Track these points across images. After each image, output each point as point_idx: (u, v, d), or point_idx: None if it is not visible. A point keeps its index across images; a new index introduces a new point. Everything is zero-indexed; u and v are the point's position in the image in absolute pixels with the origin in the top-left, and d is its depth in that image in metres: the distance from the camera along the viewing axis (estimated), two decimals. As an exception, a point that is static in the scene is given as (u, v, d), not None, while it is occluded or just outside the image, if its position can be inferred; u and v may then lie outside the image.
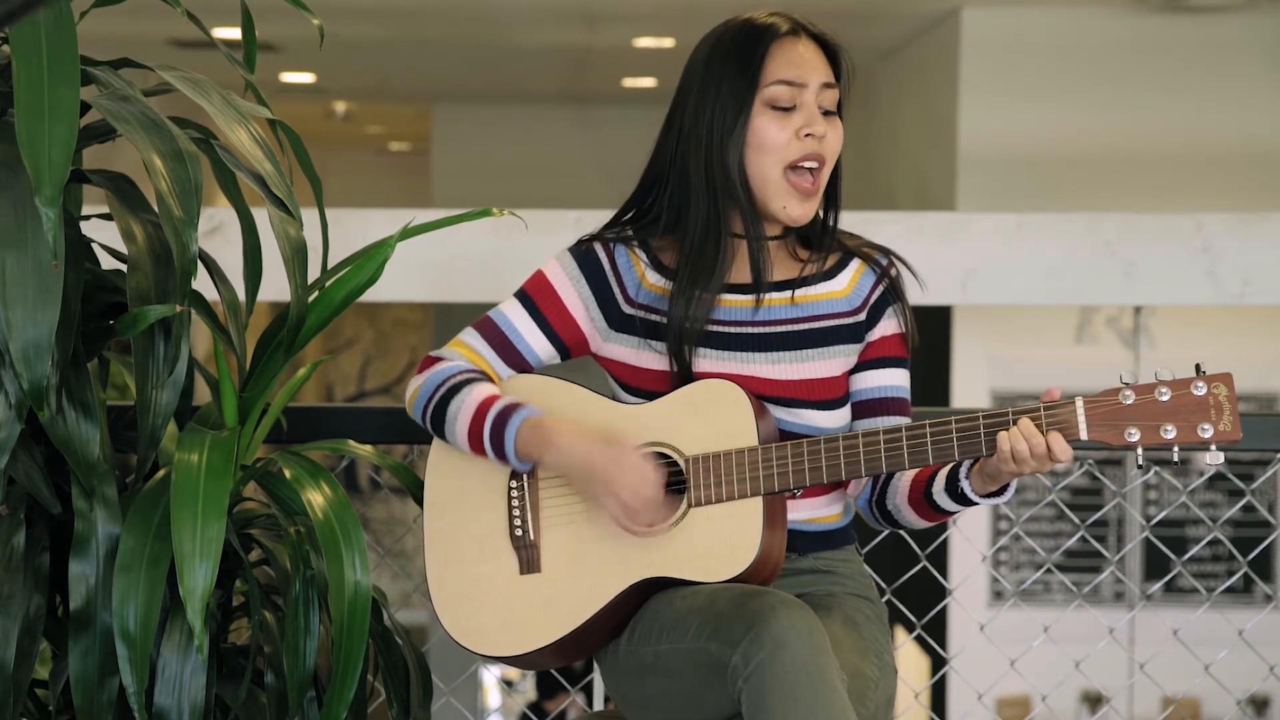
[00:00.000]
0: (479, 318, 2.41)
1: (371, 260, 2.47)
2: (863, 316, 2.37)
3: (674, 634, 2.19)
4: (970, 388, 7.17)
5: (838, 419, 2.34)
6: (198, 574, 2.18)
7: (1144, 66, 7.01)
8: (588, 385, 2.35)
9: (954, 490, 2.28)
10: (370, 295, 2.65)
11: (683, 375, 2.31)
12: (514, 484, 2.34)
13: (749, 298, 2.33)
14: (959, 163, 7.00)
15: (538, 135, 10.39)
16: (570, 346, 2.39)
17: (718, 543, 2.23)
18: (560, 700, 7.64)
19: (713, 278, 2.31)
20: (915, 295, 2.41)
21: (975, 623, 3.33)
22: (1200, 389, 2.15)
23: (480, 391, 2.32)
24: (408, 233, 2.51)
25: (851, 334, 2.36)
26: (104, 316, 2.44)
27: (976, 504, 2.29)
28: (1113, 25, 6.98)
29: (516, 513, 2.33)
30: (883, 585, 2.69)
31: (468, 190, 10.08)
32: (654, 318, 2.34)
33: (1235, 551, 3.73)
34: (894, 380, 2.38)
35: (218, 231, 4.98)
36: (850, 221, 2.42)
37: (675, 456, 2.27)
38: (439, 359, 2.38)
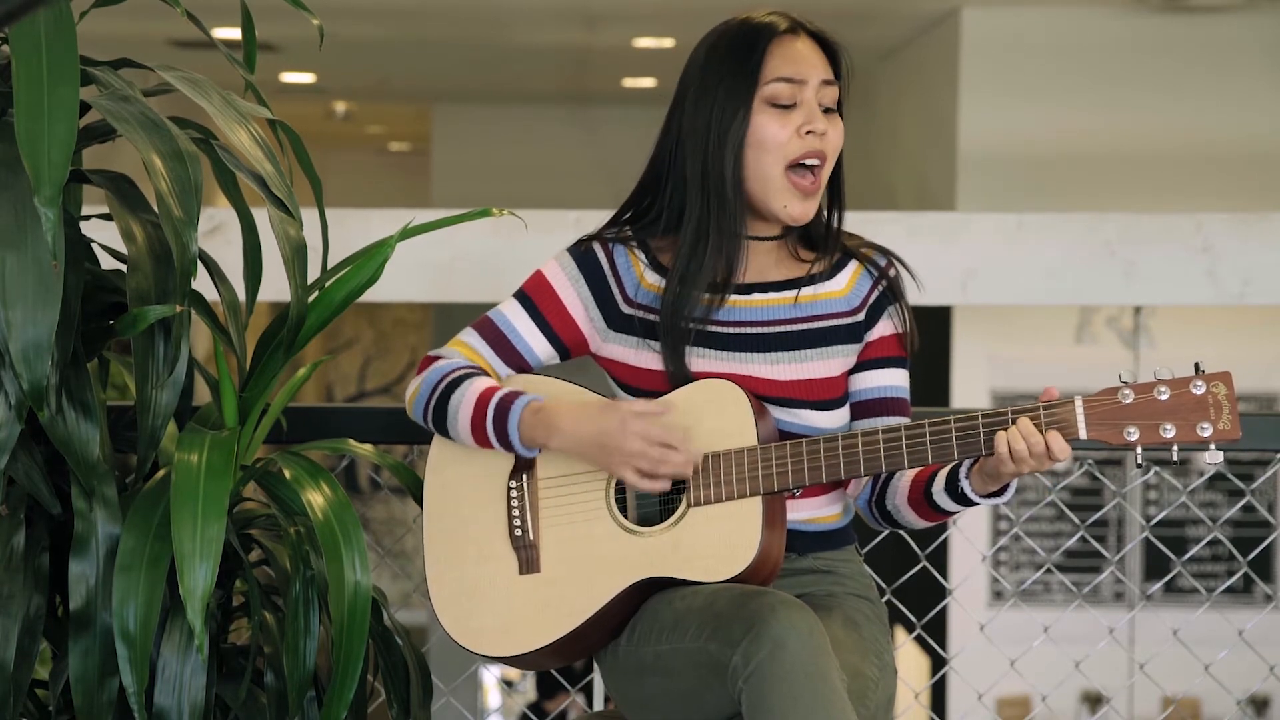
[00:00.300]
0: (478, 318, 2.41)
1: (371, 260, 2.47)
2: (861, 317, 2.37)
3: (674, 634, 2.19)
4: (970, 388, 7.17)
5: (836, 419, 2.34)
6: (198, 574, 2.18)
7: (1144, 66, 7.01)
8: (587, 385, 2.35)
9: (954, 490, 2.28)
10: (370, 295, 2.65)
11: (676, 374, 2.31)
12: (513, 484, 2.34)
13: (750, 298, 2.34)
14: (959, 163, 7.00)
15: (538, 135, 10.39)
16: (569, 346, 2.39)
17: (717, 542, 2.23)
18: (560, 700, 7.64)
19: (708, 276, 2.31)
20: (915, 295, 2.41)
21: (975, 623, 3.33)
22: (1199, 388, 2.15)
23: (480, 384, 2.32)
24: (408, 233, 2.51)
25: (850, 334, 2.36)
26: (104, 316, 2.44)
27: (977, 504, 2.29)
28: (1113, 25, 6.98)
29: (516, 513, 2.33)
30: (883, 585, 2.69)
31: (468, 190, 10.08)
32: (653, 318, 2.34)
33: (1235, 551, 3.73)
34: (893, 380, 2.38)
35: (218, 231, 4.98)
36: (850, 221, 2.42)
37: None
38: (438, 358, 2.38)
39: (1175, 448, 2.16)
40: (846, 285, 2.38)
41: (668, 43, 8.15)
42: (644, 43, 8.25)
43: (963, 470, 2.27)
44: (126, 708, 2.30)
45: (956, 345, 7.18)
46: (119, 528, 2.29)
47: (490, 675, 8.13)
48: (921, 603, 3.38)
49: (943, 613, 6.32)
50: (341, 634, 2.26)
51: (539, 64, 9.00)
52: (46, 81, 2.09)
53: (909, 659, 7.33)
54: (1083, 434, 2.17)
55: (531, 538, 2.32)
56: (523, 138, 10.38)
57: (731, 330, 2.32)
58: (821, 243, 2.39)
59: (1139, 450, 2.16)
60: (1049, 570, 6.57)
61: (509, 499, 2.34)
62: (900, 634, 5.38)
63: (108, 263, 2.52)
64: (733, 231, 2.33)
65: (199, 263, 2.25)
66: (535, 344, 2.37)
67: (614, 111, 10.18)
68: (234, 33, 2.61)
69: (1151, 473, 3.06)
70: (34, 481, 2.33)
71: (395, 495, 9.65)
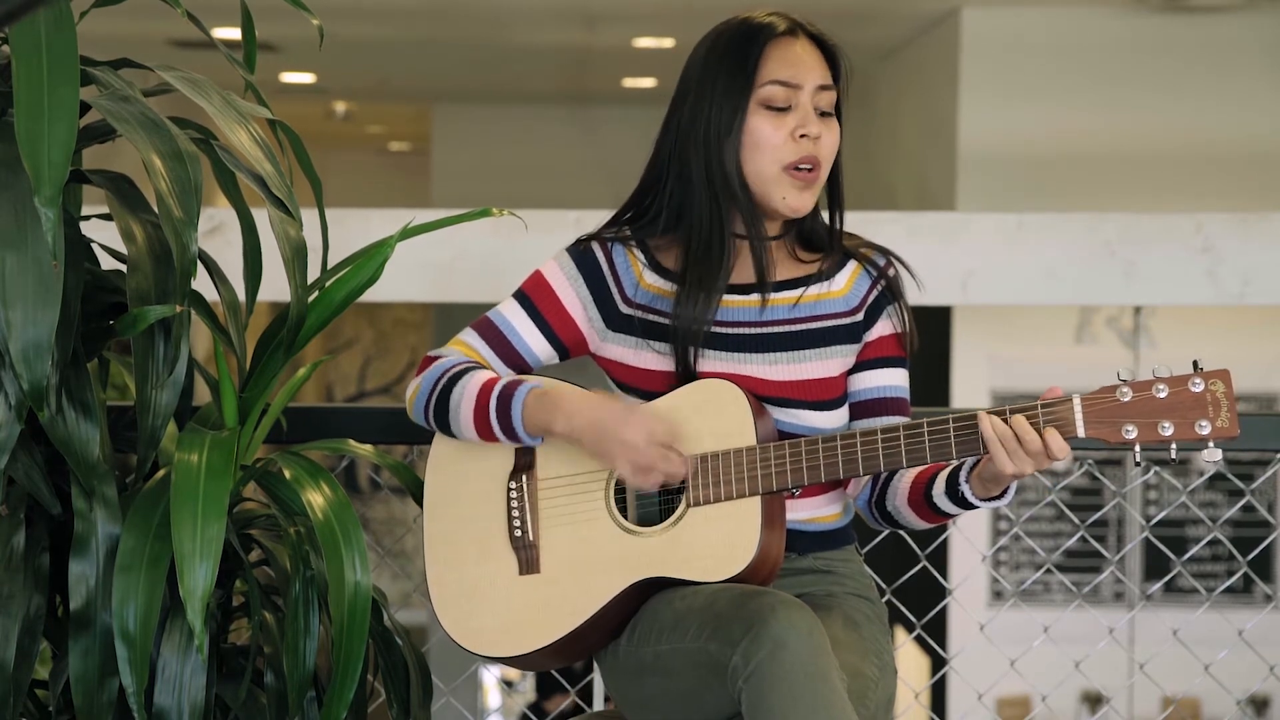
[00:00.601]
0: (478, 318, 2.41)
1: (371, 260, 2.47)
2: (860, 317, 2.37)
3: (674, 634, 2.19)
4: (970, 388, 7.16)
5: (835, 420, 2.34)
6: (198, 574, 2.18)
7: (1144, 66, 7.01)
8: (586, 386, 2.35)
9: (954, 493, 2.28)
10: (370, 295, 2.65)
11: (686, 376, 2.31)
12: (513, 484, 2.34)
13: (750, 298, 2.33)
14: (959, 163, 7.00)
15: (538, 135, 10.39)
16: (569, 346, 2.39)
17: (717, 542, 2.23)
18: (560, 700, 7.64)
19: (718, 278, 2.31)
20: (915, 295, 2.41)
21: (975, 623, 3.33)
22: (1198, 385, 2.14)
23: (481, 376, 2.32)
24: (408, 233, 2.51)
25: (849, 334, 2.36)
26: (104, 316, 2.44)
27: (977, 507, 2.29)
28: (1113, 25, 6.98)
29: (516, 513, 2.33)
30: (883, 585, 2.69)
31: (468, 190, 10.08)
32: (652, 318, 2.34)
33: (1235, 551, 3.73)
34: (892, 380, 2.38)
35: (218, 231, 4.98)
36: (850, 221, 2.42)
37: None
38: (438, 358, 2.38)
39: (1174, 446, 2.15)
40: (845, 285, 2.38)
41: (668, 43, 8.15)
42: (644, 43, 8.25)
43: (963, 473, 2.27)
44: (126, 708, 2.30)
45: (956, 345, 7.18)
46: (119, 528, 2.29)
47: (490, 675, 8.14)
48: (921, 603, 3.38)
49: (943, 613, 6.32)
50: (341, 634, 2.26)
51: (539, 64, 9.00)
52: (46, 81, 2.09)
53: (909, 659, 7.33)
54: (1081, 432, 2.16)
55: (531, 538, 2.32)
56: (523, 138, 10.38)
57: (730, 330, 2.32)
58: (821, 244, 2.39)
59: (1137, 448, 2.16)
60: (1049, 570, 6.57)
61: (509, 499, 2.34)
62: (900, 634, 5.37)
63: (108, 263, 2.52)
64: (734, 232, 2.33)
65: (199, 263, 2.25)
66: (534, 344, 2.37)
67: (614, 111, 10.18)
68: (234, 33, 2.61)
69: (1151, 473, 3.06)
70: (34, 481, 2.33)
71: (395, 495, 9.66)
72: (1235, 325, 7.00)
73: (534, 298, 2.37)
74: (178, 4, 2.38)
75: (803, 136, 2.30)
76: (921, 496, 2.33)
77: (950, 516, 2.35)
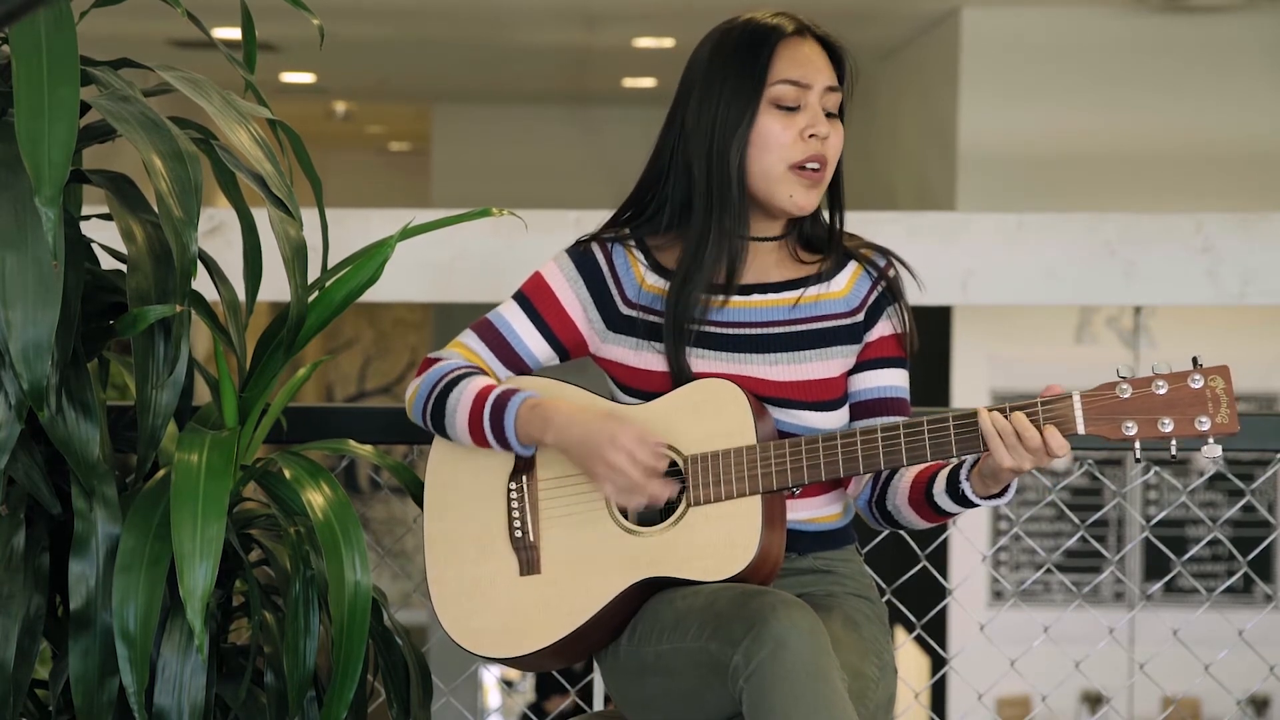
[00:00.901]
0: (478, 320, 2.41)
1: (371, 260, 2.47)
2: (860, 317, 2.37)
3: (674, 634, 2.19)
4: (970, 388, 7.16)
5: (835, 420, 2.34)
6: (198, 574, 2.18)
7: (1144, 66, 7.01)
8: (586, 387, 2.35)
9: (954, 491, 2.28)
10: (370, 295, 2.65)
11: (679, 375, 2.31)
12: (513, 485, 2.34)
13: (750, 298, 2.34)
14: (959, 163, 7.00)
15: (538, 135, 10.39)
16: (569, 348, 2.39)
17: (717, 542, 2.23)
18: (560, 700, 7.64)
19: (710, 276, 2.31)
20: (915, 295, 2.41)
21: (975, 623, 3.33)
22: (1197, 382, 2.14)
23: (478, 382, 2.33)
24: (408, 233, 2.51)
25: (850, 335, 2.36)
26: (104, 316, 2.44)
27: (977, 505, 2.29)
28: (1113, 25, 6.98)
29: (516, 514, 2.33)
30: (883, 585, 2.69)
31: (468, 190, 10.08)
32: (653, 318, 2.34)
33: (1235, 551, 3.73)
34: (893, 380, 2.38)
35: (218, 231, 4.98)
36: (850, 221, 2.42)
37: (674, 456, 2.27)
38: (438, 360, 2.38)
39: (1174, 442, 2.15)
40: (846, 286, 2.38)
41: (668, 43, 8.15)
42: (644, 43, 8.25)
43: (963, 471, 2.27)
44: (126, 708, 2.30)
45: (956, 345, 7.18)
46: (119, 528, 2.29)
47: (490, 675, 8.14)
48: (921, 603, 3.38)
49: (943, 613, 6.32)
50: (341, 634, 2.26)
51: (539, 64, 9.00)
52: (46, 81, 2.09)
53: (909, 659, 7.33)
54: (1080, 429, 2.16)
55: (532, 538, 2.32)
56: (523, 138, 10.38)
57: (730, 331, 2.32)
58: (821, 245, 2.39)
59: (1137, 445, 2.16)
60: (1049, 570, 6.57)
61: (509, 500, 2.34)
62: (900, 634, 5.37)
63: (108, 263, 2.52)
64: (736, 232, 2.33)
65: (199, 263, 2.25)
66: (534, 345, 2.37)
67: (614, 111, 10.18)
68: (234, 33, 2.61)
69: (1151, 473, 3.06)
70: (34, 481, 2.33)
71: (395, 495, 9.65)
72: (1235, 325, 7.00)
73: (534, 299, 2.37)
74: (178, 4, 2.38)
75: (811, 136, 2.30)
76: (922, 495, 2.33)
77: (951, 516, 2.35)
